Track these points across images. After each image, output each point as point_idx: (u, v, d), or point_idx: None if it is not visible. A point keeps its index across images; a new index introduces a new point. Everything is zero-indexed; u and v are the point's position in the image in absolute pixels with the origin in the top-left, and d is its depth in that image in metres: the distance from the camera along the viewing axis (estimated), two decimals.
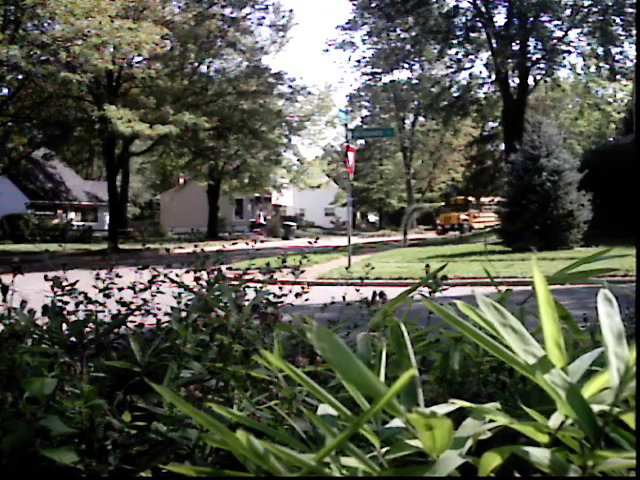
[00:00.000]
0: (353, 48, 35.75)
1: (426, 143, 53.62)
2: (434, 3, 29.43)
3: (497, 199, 43.84)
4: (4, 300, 2.26)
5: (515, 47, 28.01)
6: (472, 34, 29.47)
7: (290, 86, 34.28)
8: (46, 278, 2.56)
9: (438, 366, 1.56)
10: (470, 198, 42.30)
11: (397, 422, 1.04)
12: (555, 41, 27.68)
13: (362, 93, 53.33)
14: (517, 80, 29.54)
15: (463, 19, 29.62)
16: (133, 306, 2.55)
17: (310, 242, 3.48)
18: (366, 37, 34.16)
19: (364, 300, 2.41)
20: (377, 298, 2.32)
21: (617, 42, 26.97)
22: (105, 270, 2.83)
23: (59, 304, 2.43)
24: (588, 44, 28.21)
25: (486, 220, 37.83)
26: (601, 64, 28.52)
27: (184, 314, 2.17)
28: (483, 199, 42.92)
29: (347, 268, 4.52)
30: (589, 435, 0.87)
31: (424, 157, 55.11)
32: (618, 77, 29.33)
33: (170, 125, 24.65)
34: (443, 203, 56.89)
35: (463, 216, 38.78)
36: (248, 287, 2.51)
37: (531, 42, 27.94)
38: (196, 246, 3.01)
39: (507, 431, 0.97)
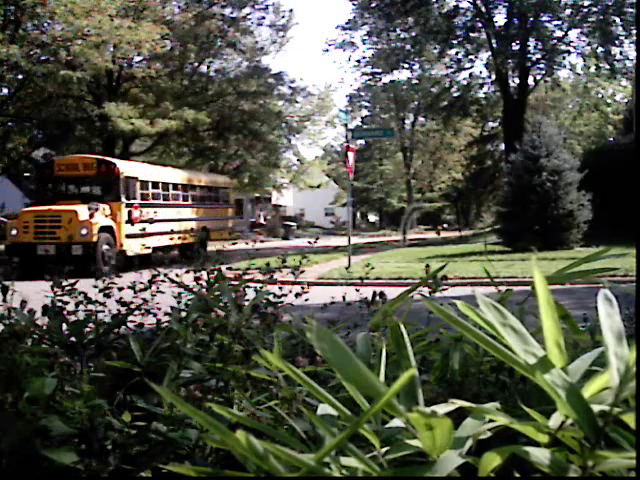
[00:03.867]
0: (353, 48, 35.81)
1: (426, 143, 53.62)
2: (434, 3, 29.42)
3: (223, 179, 24.43)
4: (4, 300, 2.27)
5: (515, 47, 28.00)
6: (472, 34, 29.45)
7: (290, 87, 34.29)
8: (46, 278, 2.56)
9: (438, 366, 1.56)
10: (119, 163, 16.66)
11: (397, 422, 1.04)
12: (555, 41, 27.67)
13: (362, 93, 53.40)
14: (517, 80, 29.54)
15: (463, 19, 29.61)
16: (133, 306, 2.55)
17: (310, 242, 3.48)
18: (366, 37, 34.21)
19: (364, 300, 2.42)
20: (377, 298, 2.32)
21: (617, 42, 26.97)
22: None
23: (59, 304, 2.44)
24: (588, 44, 28.21)
25: (167, 232, 15.66)
26: (601, 64, 28.52)
27: (184, 314, 2.17)
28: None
29: (347, 268, 4.53)
30: (589, 435, 0.87)
31: (424, 157, 55.10)
32: (618, 77, 29.34)
33: (170, 120, 24.69)
34: (442, 203, 56.72)
35: (87, 217, 14.71)
36: (248, 287, 2.51)
37: (531, 42, 27.93)
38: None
39: (507, 431, 0.97)
